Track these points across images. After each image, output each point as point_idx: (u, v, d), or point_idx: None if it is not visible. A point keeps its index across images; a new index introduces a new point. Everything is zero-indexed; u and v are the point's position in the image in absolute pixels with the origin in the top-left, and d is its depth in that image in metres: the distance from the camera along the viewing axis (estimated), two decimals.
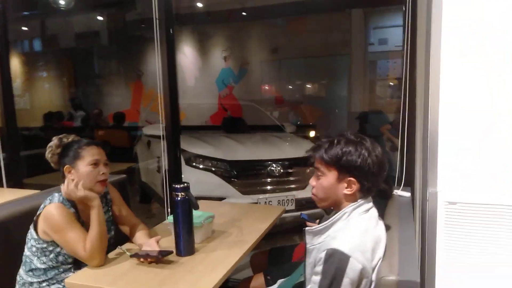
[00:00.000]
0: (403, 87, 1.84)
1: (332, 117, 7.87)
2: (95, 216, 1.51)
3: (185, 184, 1.54)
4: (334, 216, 1.18)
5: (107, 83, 8.64)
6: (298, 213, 3.00)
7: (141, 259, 1.45)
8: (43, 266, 1.50)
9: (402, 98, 1.85)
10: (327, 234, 1.17)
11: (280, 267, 1.84)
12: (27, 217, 1.58)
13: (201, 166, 3.56)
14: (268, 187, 3.54)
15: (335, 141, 1.19)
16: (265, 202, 3.38)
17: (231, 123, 5.14)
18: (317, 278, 1.08)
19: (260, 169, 3.58)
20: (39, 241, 1.48)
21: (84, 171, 1.51)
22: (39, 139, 6.26)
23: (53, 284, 1.51)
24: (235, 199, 3.37)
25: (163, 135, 2.45)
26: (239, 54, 8.08)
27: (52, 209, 1.45)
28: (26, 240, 1.54)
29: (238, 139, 4.04)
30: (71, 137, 1.60)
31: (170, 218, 1.77)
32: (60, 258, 1.50)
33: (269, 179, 3.57)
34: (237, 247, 1.60)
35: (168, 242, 1.62)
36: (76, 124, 7.43)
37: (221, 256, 1.52)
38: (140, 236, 1.67)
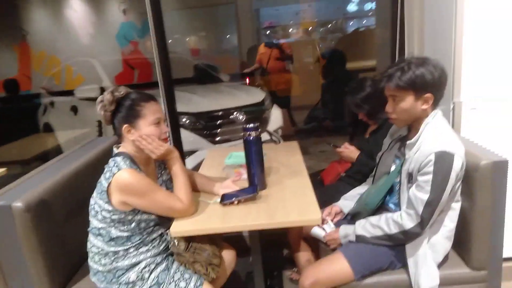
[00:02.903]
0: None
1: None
2: (179, 166, 1.47)
3: (256, 123, 1.59)
4: (420, 130, 1.40)
5: None
6: None
7: (235, 202, 1.49)
8: (125, 234, 1.40)
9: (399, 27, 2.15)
10: (418, 145, 1.38)
11: (319, 191, 2.04)
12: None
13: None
14: (235, 134, 3.63)
15: (405, 67, 1.36)
16: None
17: (202, 72, 4.98)
18: (426, 178, 1.30)
19: (224, 117, 3.63)
20: (115, 212, 1.37)
21: (147, 132, 1.40)
22: None
23: (141, 247, 1.43)
24: (206, 150, 3.40)
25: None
26: (141, 5, 7.47)
27: (127, 176, 1.32)
28: (92, 212, 1.42)
29: (191, 91, 3.96)
30: (123, 90, 1.44)
31: (227, 161, 1.80)
32: (142, 224, 1.42)
33: (234, 127, 3.66)
34: (300, 176, 1.74)
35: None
36: None
37: (296, 184, 1.65)
38: (205, 182, 1.68)
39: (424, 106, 1.38)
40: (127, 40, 7.52)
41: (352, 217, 1.67)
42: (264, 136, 3.96)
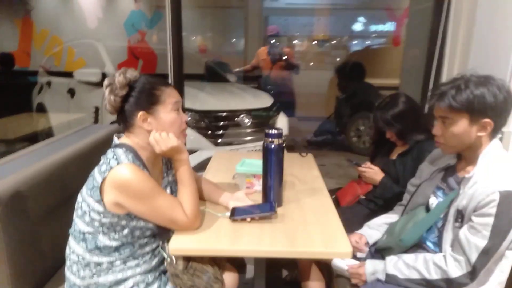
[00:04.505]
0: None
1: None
2: (188, 171, 1.24)
3: (279, 129, 1.36)
4: (478, 162, 1.18)
5: None
6: None
7: (248, 219, 1.26)
8: (114, 244, 1.17)
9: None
10: (474, 179, 1.16)
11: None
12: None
13: None
14: (239, 138, 3.41)
15: (461, 85, 1.16)
16: None
17: (212, 70, 4.67)
18: (485, 220, 1.08)
19: (229, 119, 3.41)
20: (106, 215, 1.13)
21: (167, 120, 1.19)
22: None
23: (129, 261, 1.20)
24: (207, 151, 3.16)
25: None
26: None
27: (127, 173, 1.09)
28: (79, 211, 1.18)
29: (199, 87, 3.73)
30: (136, 72, 1.21)
31: (239, 168, 1.57)
32: (137, 233, 1.19)
33: (239, 130, 3.43)
34: (320, 195, 1.52)
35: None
36: None
37: (316, 205, 1.43)
38: (212, 190, 1.45)
39: (480, 133, 1.17)
40: (135, 29, 7.28)
41: (376, 250, 1.45)
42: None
